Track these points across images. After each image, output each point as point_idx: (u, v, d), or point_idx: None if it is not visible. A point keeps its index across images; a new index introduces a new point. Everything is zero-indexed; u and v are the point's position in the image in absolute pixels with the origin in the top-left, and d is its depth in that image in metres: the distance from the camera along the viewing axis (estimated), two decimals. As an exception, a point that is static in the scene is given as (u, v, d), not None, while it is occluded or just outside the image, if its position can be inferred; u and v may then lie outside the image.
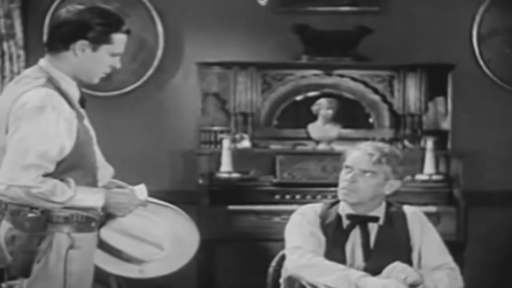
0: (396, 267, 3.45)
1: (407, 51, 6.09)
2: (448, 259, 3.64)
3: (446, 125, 6.00)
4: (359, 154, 3.61)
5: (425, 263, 3.60)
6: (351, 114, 6.03)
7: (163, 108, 6.21)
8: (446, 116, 6.00)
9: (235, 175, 5.66)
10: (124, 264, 3.30)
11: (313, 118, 5.93)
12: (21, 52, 5.98)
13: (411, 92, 5.99)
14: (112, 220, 3.23)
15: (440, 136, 5.91)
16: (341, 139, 5.89)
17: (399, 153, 3.70)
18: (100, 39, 3.11)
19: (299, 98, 6.05)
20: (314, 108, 5.92)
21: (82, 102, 3.18)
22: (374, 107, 6.05)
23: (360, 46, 5.97)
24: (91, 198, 3.10)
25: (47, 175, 3.01)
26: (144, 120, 6.18)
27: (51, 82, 3.08)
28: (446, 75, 5.97)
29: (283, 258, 3.76)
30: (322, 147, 5.90)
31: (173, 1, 6.18)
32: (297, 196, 5.60)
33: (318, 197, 5.50)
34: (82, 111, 3.17)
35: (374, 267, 3.48)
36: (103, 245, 3.24)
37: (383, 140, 5.86)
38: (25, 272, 3.08)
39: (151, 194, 3.34)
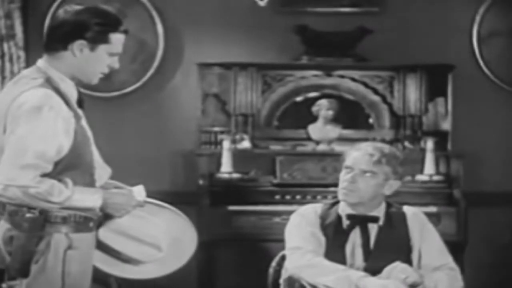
0: (396, 267, 3.45)
1: (407, 52, 6.10)
2: (448, 259, 3.64)
3: (446, 125, 6.00)
4: (359, 155, 3.61)
5: (425, 263, 3.60)
6: (351, 115, 6.03)
7: (163, 109, 6.21)
8: (446, 116, 6.00)
9: (235, 175, 5.67)
10: (122, 265, 3.29)
11: (313, 118, 5.93)
12: (21, 53, 5.99)
13: (411, 93, 5.99)
14: (110, 221, 3.22)
15: (440, 137, 5.91)
16: (341, 139, 5.89)
17: (399, 153, 3.71)
18: (98, 39, 3.11)
19: (299, 98, 6.06)
20: (314, 108, 5.92)
21: (80, 103, 3.18)
22: (374, 108, 6.05)
23: (360, 46, 5.97)
24: (89, 199, 3.10)
25: (45, 175, 3.00)
26: (145, 120, 6.18)
27: (49, 83, 3.08)
28: (446, 75, 5.97)
29: (283, 258, 3.76)
30: (322, 147, 5.90)
31: (173, 1, 6.18)
32: (297, 197, 5.60)
33: (318, 197, 5.50)
34: (79, 111, 3.16)
35: (374, 267, 3.49)
36: (101, 246, 3.24)
37: (383, 140, 5.85)
38: (24, 272, 3.07)
39: (151, 194, 3.33)
